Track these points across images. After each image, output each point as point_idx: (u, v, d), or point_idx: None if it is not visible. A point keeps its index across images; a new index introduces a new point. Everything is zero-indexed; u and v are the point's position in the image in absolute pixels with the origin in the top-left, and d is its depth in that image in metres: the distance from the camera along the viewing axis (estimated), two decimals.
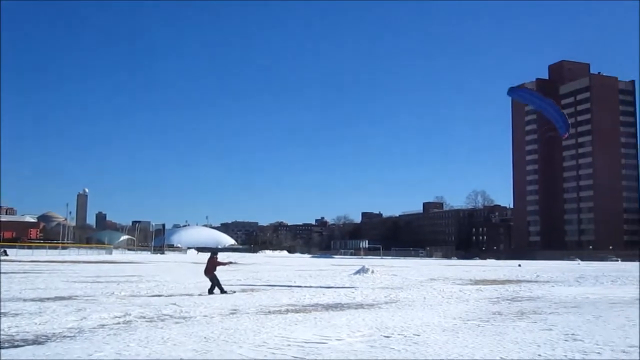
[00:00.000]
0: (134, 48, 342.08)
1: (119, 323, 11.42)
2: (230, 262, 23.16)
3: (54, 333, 10.05)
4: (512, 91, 21.77)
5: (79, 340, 9.30)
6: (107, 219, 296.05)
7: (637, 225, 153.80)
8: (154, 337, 9.66)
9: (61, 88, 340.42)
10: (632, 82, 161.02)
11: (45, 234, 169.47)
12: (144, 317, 12.29)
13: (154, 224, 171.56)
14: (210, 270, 19.40)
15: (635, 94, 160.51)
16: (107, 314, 12.65)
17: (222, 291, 18.89)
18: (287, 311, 13.82)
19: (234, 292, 19.45)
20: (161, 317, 12.34)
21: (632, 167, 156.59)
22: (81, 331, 10.31)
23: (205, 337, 9.65)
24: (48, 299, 16.39)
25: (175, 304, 15.18)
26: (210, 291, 18.87)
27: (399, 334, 10.19)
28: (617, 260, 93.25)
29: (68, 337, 9.68)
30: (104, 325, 11.14)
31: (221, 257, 21.62)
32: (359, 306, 15.26)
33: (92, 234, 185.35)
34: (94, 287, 21.35)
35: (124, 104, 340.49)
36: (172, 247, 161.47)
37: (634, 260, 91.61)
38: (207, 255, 20.80)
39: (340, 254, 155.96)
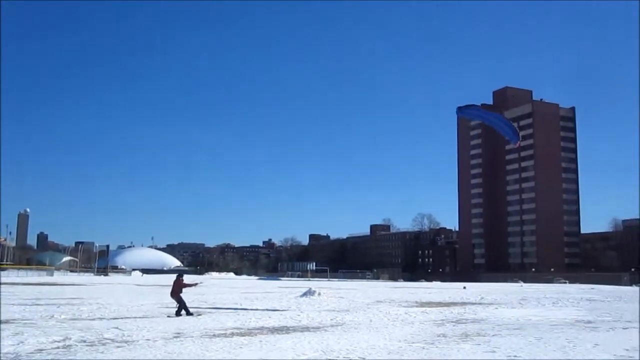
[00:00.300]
0: (68, 58, 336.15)
1: (58, 348, 11.11)
2: (196, 284, 22.84)
3: None
4: (460, 110, 22.14)
5: None
6: (49, 239, 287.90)
7: (577, 248, 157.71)
8: None
9: (2, 104, 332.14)
10: (573, 108, 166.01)
11: None
12: (85, 341, 11.98)
13: (97, 244, 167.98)
14: (176, 292, 19.54)
15: (575, 120, 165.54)
16: (45, 338, 12.28)
17: (188, 313, 19.03)
18: (232, 334, 13.66)
19: (200, 314, 19.26)
20: (102, 341, 12.04)
21: (573, 192, 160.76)
22: (17, 356, 9.99)
23: None
24: None
25: (117, 327, 14.85)
26: (178, 313, 18.95)
27: (344, 357, 10.17)
28: (564, 283, 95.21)
29: None
30: (42, 350, 10.82)
31: (172, 278, 21.22)
32: (305, 329, 15.19)
33: (33, 255, 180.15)
34: (32, 310, 20.72)
35: (66, 119, 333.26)
36: (116, 269, 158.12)
37: (576, 283, 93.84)
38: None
39: (288, 276, 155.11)
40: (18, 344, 11.42)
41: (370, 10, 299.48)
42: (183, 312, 18.98)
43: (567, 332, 14.86)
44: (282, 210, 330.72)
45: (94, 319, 17.34)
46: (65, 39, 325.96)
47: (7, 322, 16.18)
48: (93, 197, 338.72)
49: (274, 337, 13.14)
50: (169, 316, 18.76)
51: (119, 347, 11.28)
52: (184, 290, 19.70)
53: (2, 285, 46.00)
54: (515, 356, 10.52)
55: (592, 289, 59.52)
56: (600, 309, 24.90)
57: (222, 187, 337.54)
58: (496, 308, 25.14)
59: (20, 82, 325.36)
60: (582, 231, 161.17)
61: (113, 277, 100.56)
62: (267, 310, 22.25)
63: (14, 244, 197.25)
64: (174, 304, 20.92)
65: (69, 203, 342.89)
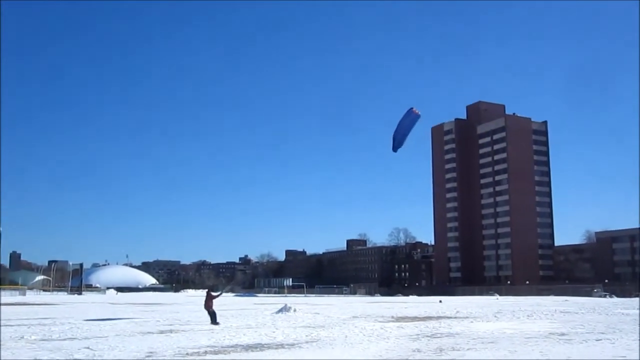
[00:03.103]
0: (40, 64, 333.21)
1: None
2: (220, 294, 27.23)
3: None
4: (395, 147, 22.56)
5: None
6: (22, 258, 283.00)
7: (551, 261, 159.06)
8: None
9: None
10: (545, 122, 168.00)
11: None
12: None
13: (71, 263, 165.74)
14: (209, 304, 23.83)
15: (548, 133, 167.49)
16: None
17: (215, 322, 23.24)
18: (206, 353, 13.52)
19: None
20: None
21: (546, 205, 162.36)
22: None
23: None
24: None
25: (88, 347, 14.63)
26: (214, 321, 23.29)
27: None
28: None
29: None
30: None
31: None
32: (279, 346, 15.08)
33: (5, 274, 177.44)
34: (2, 331, 20.30)
35: (39, 134, 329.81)
36: (90, 287, 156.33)
37: (550, 295, 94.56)
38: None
39: (264, 292, 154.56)
40: None
41: (343, 21, 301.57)
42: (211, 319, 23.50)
43: (541, 345, 14.94)
44: (258, 227, 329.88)
45: (65, 339, 17.05)
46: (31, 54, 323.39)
47: None
48: (67, 214, 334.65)
49: (248, 355, 13.04)
50: (211, 323, 23.19)
51: None
52: (213, 302, 24.11)
53: None
54: None
55: (566, 300, 60.11)
56: (573, 321, 25.10)
57: (197, 204, 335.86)
58: (471, 322, 25.21)
59: None
60: (556, 243, 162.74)
61: (87, 296, 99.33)
62: (242, 327, 22.07)
63: None
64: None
65: (43, 221, 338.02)
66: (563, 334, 18.36)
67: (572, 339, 16.62)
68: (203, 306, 24.31)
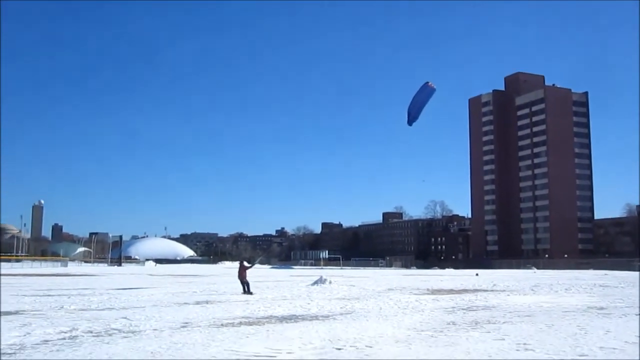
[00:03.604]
0: (87, 55, 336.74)
1: (64, 339, 11.05)
2: (253, 265, 27.81)
3: None
4: (410, 120, 22.29)
5: (19, 358, 8.95)
6: (64, 230, 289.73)
7: (590, 234, 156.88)
8: (98, 352, 9.36)
9: (16, 96, 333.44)
10: (585, 93, 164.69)
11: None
12: (91, 332, 11.93)
13: (111, 235, 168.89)
14: (242, 274, 24.82)
15: (588, 105, 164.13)
16: (52, 329, 12.25)
17: (249, 292, 24.13)
18: (240, 324, 13.58)
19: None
20: (109, 332, 11.99)
21: (586, 177, 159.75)
22: (22, 348, 9.94)
23: (152, 352, 9.39)
24: None
25: (126, 317, 14.82)
26: (248, 292, 24.11)
27: (351, 346, 10.06)
28: None
29: (7, 354, 9.31)
30: (47, 341, 10.77)
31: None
32: (314, 318, 15.10)
33: (48, 246, 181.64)
34: (43, 301, 20.76)
35: (80, 112, 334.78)
36: (129, 259, 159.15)
37: (589, 269, 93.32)
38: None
39: (300, 265, 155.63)
40: (24, 335, 11.39)
41: None
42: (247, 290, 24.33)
43: (579, 319, 14.69)
44: (295, 199, 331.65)
45: (103, 309, 17.33)
46: (85, 38, 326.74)
47: (16, 313, 16.20)
48: (107, 188, 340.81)
49: (282, 326, 13.06)
50: (243, 293, 24.15)
51: (125, 337, 11.22)
52: (247, 272, 25.05)
53: (16, 277, 46.33)
54: (525, 343, 10.38)
55: (606, 274, 59.23)
56: (613, 295, 24.68)
57: (234, 177, 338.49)
58: (508, 295, 24.97)
59: (35, 77, 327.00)
60: (596, 217, 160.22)
61: (126, 268, 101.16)
62: (277, 298, 22.18)
63: (29, 235, 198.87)
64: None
65: (84, 194, 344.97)
66: (602, 308, 18.05)
67: (611, 313, 16.32)
68: (237, 276, 25.38)
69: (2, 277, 42.93)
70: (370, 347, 10.02)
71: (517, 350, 9.70)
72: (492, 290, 28.61)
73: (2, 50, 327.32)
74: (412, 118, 22.58)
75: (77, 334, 11.70)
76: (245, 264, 25.93)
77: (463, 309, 17.71)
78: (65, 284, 35.16)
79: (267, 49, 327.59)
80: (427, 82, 22.77)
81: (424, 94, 22.57)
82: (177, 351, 9.51)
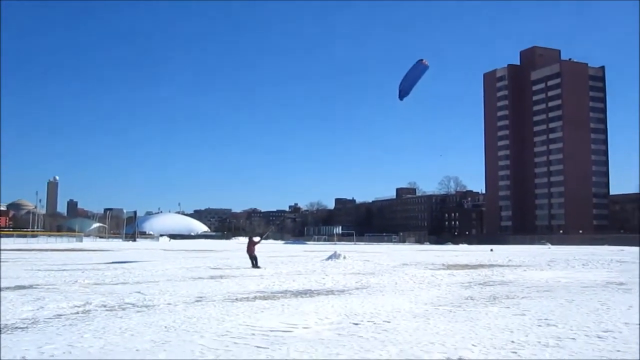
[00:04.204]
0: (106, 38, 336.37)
1: (77, 313, 10.94)
2: (260, 240, 28.19)
3: (6, 324, 9.51)
4: (401, 95, 21.93)
5: (31, 332, 8.82)
6: (79, 206, 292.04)
7: (606, 210, 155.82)
8: (111, 327, 9.21)
9: (31, 76, 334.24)
10: (602, 68, 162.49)
11: (15, 222, 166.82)
12: (105, 306, 11.81)
13: (126, 211, 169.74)
14: (251, 249, 25.71)
15: (605, 80, 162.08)
16: (66, 304, 12.14)
17: (257, 266, 24.94)
18: (255, 298, 13.43)
19: (264, 268, 24.53)
20: (122, 306, 11.87)
21: (602, 153, 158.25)
22: (35, 322, 9.82)
23: (165, 327, 9.23)
24: (7, 288, 15.69)
25: (139, 292, 14.70)
26: (256, 266, 24.91)
27: (368, 321, 9.86)
28: None
29: (20, 328, 9.18)
30: (60, 315, 10.65)
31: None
32: (329, 292, 14.92)
33: (63, 222, 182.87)
34: (57, 275, 20.71)
35: (94, 91, 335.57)
36: (144, 235, 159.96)
37: (605, 244, 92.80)
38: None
39: (314, 240, 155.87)
40: (38, 309, 11.29)
41: None
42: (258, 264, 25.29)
43: (600, 294, 14.42)
44: (308, 175, 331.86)
45: (117, 284, 17.23)
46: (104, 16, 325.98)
47: (30, 287, 16.13)
48: (121, 164, 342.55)
49: (297, 301, 12.88)
50: (252, 267, 24.95)
51: (138, 311, 11.09)
52: (255, 247, 25.98)
53: (31, 252, 46.57)
54: (546, 319, 10.13)
55: (622, 250, 58.78)
56: (632, 271, 24.35)
57: (247, 153, 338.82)
58: (524, 270, 24.71)
59: (50, 54, 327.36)
60: (611, 192, 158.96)
61: (141, 243, 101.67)
62: (292, 273, 22.04)
63: (44, 211, 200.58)
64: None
65: (98, 170, 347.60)
66: (622, 284, 17.75)
67: (631, 289, 16.03)
68: (245, 251, 26.53)
69: (17, 251, 43.20)
70: (388, 322, 9.81)
71: (539, 325, 9.45)
72: (507, 266, 28.35)
73: (15, 28, 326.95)
74: (403, 93, 22.40)
75: (90, 308, 11.59)
76: (255, 239, 26.89)
77: (480, 284, 17.48)
78: (79, 259, 35.21)
79: (280, 27, 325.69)
80: (421, 60, 22.52)
81: (418, 70, 22.34)
82: (191, 325, 9.35)
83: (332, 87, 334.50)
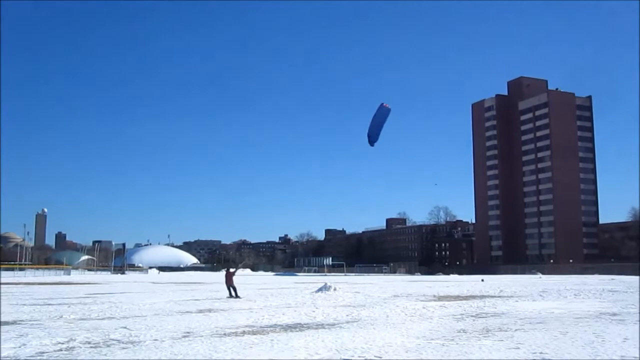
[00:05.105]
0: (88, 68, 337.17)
1: (60, 350, 10.64)
2: (236, 270, 29.89)
3: None
4: (371, 141, 22.32)
5: None
6: (67, 239, 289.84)
7: (595, 239, 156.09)
8: None
9: (18, 106, 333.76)
10: (589, 97, 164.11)
11: (2, 255, 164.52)
12: (89, 343, 11.50)
13: (115, 243, 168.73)
14: (229, 280, 26.96)
15: (592, 109, 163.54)
16: (49, 340, 11.83)
17: (237, 296, 26.22)
18: (244, 333, 13.15)
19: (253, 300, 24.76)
20: (107, 342, 11.57)
21: (590, 182, 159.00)
22: None
23: None
24: None
25: (125, 327, 14.39)
26: (236, 296, 26.21)
27: (359, 356, 9.63)
28: None
29: None
30: (43, 352, 10.35)
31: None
32: (319, 326, 14.65)
33: (51, 254, 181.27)
34: (43, 310, 20.33)
35: (81, 120, 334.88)
36: (133, 267, 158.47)
37: (595, 273, 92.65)
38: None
39: (304, 272, 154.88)
40: (19, 347, 10.97)
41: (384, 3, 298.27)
42: (234, 294, 26.42)
43: (593, 326, 14.23)
44: (298, 206, 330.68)
45: (103, 319, 16.90)
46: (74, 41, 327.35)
47: (14, 323, 15.78)
48: (110, 196, 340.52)
49: (287, 336, 12.62)
50: (229, 297, 26.39)
51: (124, 348, 10.80)
52: (233, 277, 27.39)
53: (17, 286, 45.90)
54: (541, 352, 9.93)
55: (613, 279, 58.63)
56: (624, 301, 24.17)
57: (237, 184, 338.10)
58: (516, 301, 24.49)
59: (32, 83, 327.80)
60: (601, 221, 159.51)
61: (130, 276, 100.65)
62: (282, 306, 21.73)
63: (32, 244, 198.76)
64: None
65: (87, 203, 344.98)
66: (615, 314, 17.56)
67: (624, 319, 15.85)
68: (225, 283, 27.54)
69: (2, 286, 42.57)
70: (380, 357, 9.59)
71: (535, 359, 9.25)
72: (499, 296, 28.12)
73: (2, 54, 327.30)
74: (372, 138, 22.74)
75: (74, 345, 11.29)
76: (231, 270, 28.19)
77: (472, 316, 17.26)
78: (66, 293, 34.71)
79: (266, 52, 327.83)
80: (382, 103, 22.89)
81: (381, 114, 22.65)
82: None
83: (322, 121, 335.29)
